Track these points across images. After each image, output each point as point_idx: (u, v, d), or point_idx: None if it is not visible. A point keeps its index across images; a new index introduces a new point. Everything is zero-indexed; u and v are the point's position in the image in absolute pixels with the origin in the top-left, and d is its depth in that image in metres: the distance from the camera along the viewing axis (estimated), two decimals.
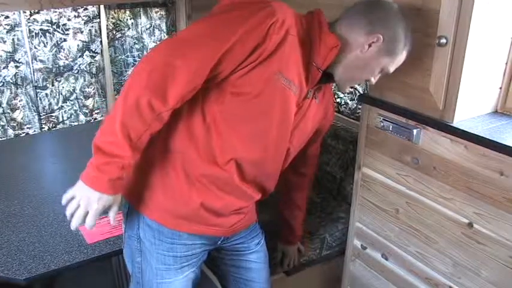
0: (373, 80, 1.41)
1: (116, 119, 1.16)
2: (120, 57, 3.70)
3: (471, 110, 1.58)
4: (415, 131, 1.66)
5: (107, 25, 3.67)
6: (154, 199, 1.43)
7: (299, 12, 1.34)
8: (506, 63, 1.59)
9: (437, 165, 1.63)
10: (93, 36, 3.68)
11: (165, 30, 3.67)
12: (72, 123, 3.65)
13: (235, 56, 1.20)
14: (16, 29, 3.33)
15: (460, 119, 1.55)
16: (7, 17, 3.25)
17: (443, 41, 1.47)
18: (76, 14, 3.60)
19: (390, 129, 1.75)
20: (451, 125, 1.54)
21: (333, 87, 1.68)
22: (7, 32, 3.30)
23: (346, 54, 1.34)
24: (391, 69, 1.41)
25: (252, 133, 1.36)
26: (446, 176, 1.61)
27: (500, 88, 1.63)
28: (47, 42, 3.51)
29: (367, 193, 1.95)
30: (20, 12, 3.29)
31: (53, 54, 3.54)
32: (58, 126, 3.61)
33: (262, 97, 1.28)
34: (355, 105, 2.60)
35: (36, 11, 3.34)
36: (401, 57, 1.40)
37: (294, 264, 2.15)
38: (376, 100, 1.79)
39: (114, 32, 3.67)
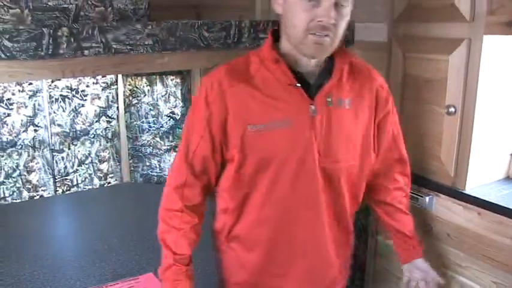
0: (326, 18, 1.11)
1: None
2: (135, 122, 3.80)
3: (483, 177, 1.59)
4: (427, 198, 1.66)
5: (124, 91, 3.80)
6: None
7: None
8: None
9: (451, 232, 1.62)
10: (110, 102, 3.81)
11: (180, 97, 3.79)
12: (86, 187, 3.70)
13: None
14: (38, 94, 3.47)
15: (472, 186, 1.56)
16: (30, 83, 3.40)
17: (452, 109, 1.51)
18: (95, 81, 3.74)
19: None
20: (463, 192, 1.55)
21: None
22: (29, 98, 3.44)
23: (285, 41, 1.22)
24: None
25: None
26: (461, 243, 1.59)
27: (511, 154, 1.64)
28: (65, 108, 3.63)
29: (381, 261, 1.92)
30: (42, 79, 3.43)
31: (70, 119, 3.65)
32: (72, 189, 3.66)
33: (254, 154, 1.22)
34: None
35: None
36: None
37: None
38: None
39: (131, 98, 3.79)
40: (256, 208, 1.28)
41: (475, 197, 1.52)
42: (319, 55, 1.18)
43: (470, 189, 1.55)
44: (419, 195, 1.69)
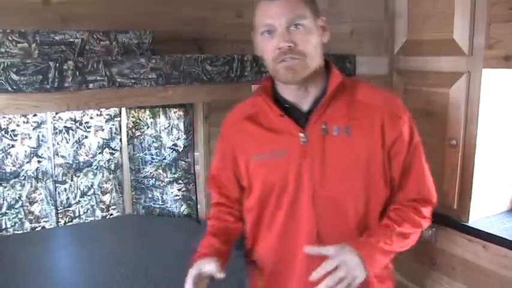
0: (281, 44, 1.15)
1: None
2: (138, 154, 3.81)
3: (486, 209, 1.58)
4: (431, 231, 1.65)
5: (127, 123, 3.83)
6: None
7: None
8: None
9: (456, 265, 1.60)
10: (113, 134, 3.83)
11: (182, 129, 3.81)
12: (88, 218, 3.68)
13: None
14: (42, 126, 3.50)
15: (475, 218, 1.55)
16: (35, 115, 3.43)
17: (453, 142, 1.52)
18: (98, 113, 3.77)
19: None
20: (467, 224, 1.54)
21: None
22: (33, 129, 3.47)
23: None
24: (259, 20, 1.19)
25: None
26: (466, 276, 1.57)
27: None
28: (69, 139, 3.66)
29: None
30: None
31: (74, 150, 3.67)
32: (74, 220, 3.64)
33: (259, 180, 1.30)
34: None
35: None
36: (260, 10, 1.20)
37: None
38: None
39: (134, 131, 3.81)
40: (264, 235, 1.32)
41: (478, 229, 1.51)
42: (293, 79, 1.18)
43: (473, 221, 1.54)
44: None
